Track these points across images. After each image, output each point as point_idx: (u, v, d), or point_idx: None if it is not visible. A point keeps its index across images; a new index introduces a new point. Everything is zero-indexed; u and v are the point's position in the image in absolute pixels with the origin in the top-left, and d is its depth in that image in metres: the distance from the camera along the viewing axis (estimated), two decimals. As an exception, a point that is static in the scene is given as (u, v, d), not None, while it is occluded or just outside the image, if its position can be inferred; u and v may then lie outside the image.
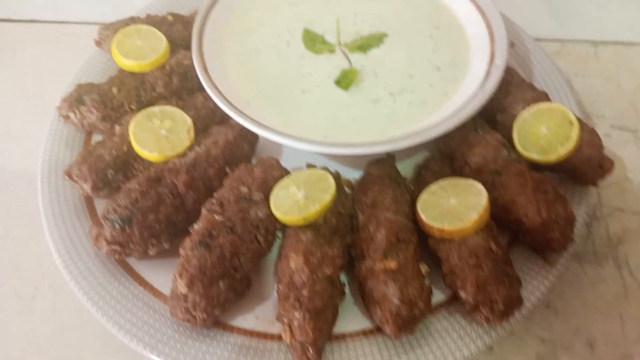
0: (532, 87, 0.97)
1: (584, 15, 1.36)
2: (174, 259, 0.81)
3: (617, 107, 1.16)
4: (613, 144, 1.10)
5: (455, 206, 0.80)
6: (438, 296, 0.82)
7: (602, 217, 0.99)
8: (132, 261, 0.87)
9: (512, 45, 1.15)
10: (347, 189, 0.94)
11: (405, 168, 0.97)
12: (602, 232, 0.98)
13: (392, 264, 0.75)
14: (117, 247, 0.82)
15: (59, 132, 1.01)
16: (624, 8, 1.37)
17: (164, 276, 0.84)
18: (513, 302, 0.75)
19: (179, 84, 1.03)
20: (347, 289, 0.82)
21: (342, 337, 0.79)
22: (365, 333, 0.79)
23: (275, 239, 0.87)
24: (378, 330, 0.79)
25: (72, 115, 0.97)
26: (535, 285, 0.81)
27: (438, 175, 0.89)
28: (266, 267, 0.88)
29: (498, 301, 0.73)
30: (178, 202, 0.86)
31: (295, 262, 0.76)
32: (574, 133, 0.85)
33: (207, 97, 1.00)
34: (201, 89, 1.00)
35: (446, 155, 0.96)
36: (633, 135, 1.12)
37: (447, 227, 0.78)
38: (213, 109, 1.00)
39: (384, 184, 0.87)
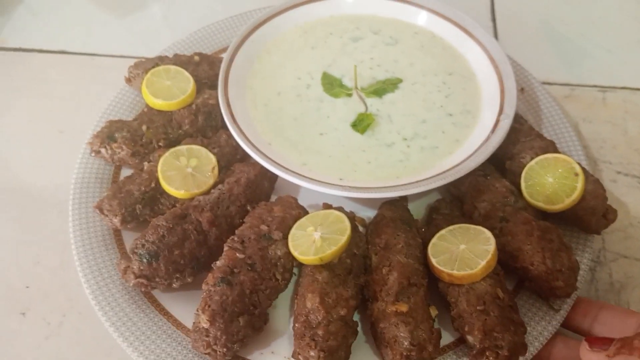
0: (540, 136, 1.02)
1: (593, 60, 1.41)
2: (197, 291, 0.86)
3: (623, 153, 1.21)
4: (618, 190, 1.14)
5: (465, 252, 0.85)
6: (446, 337, 0.86)
7: (606, 262, 1.03)
8: (157, 293, 0.92)
9: (521, 90, 1.20)
10: (360, 227, 0.99)
11: (417, 208, 1.02)
12: (605, 277, 1.01)
13: (403, 307, 0.80)
14: (144, 281, 0.87)
15: (89, 165, 1.06)
16: (633, 54, 1.41)
17: (186, 308, 0.89)
18: (517, 349, 0.78)
19: (204, 122, 1.09)
20: (359, 328, 0.87)
21: (355, 376, 0.83)
22: (376, 372, 0.83)
23: (292, 276, 0.91)
24: (388, 369, 0.83)
25: (103, 150, 1.03)
26: (539, 331, 0.85)
27: (448, 219, 0.94)
28: (282, 301, 0.93)
29: (503, 347, 0.77)
30: (202, 238, 0.91)
31: (311, 301, 0.81)
32: (579, 184, 0.89)
33: (230, 135, 1.06)
34: (224, 126, 1.06)
35: (456, 198, 1.01)
36: (638, 182, 1.16)
37: (456, 272, 0.83)
38: (236, 146, 1.06)
39: (396, 226, 0.92)
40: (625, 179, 1.16)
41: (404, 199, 1.00)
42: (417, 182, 0.92)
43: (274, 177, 1.04)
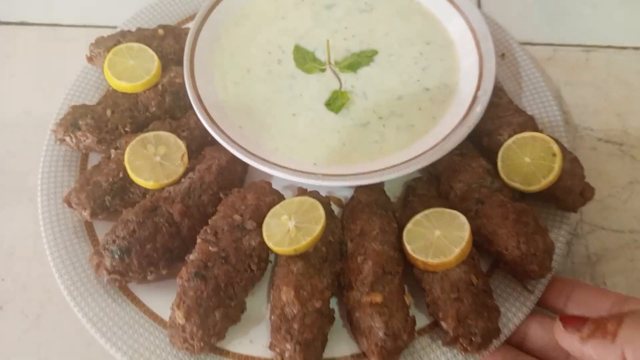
0: (519, 111, 0.99)
1: (577, 17, 1.35)
2: (172, 281, 0.85)
3: (605, 119, 1.18)
4: (598, 158, 1.12)
5: (439, 239, 0.84)
6: (422, 320, 0.87)
7: (583, 235, 1.04)
8: (132, 285, 0.91)
9: (502, 56, 1.16)
10: (336, 208, 0.97)
11: (394, 187, 1.00)
12: (581, 250, 1.02)
13: (377, 298, 0.80)
14: (117, 276, 0.87)
15: (55, 153, 1.03)
16: (617, 11, 1.36)
17: (162, 299, 0.89)
18: (491, 334, 0.80)
19: (171, 103, 1.05)
20: (337, 314, 0.87)
21: (332, 361, 0.84)
22: (353, 357, 0.85)
23: (268, 265, 0.91)
24: (365, 355, 0.84)
25: (67, 139, 0.99)
26: (513, 312, 0.86)
27: (424, 200, 0.92)
28: (260, 288, 0.92)
29: (477, 334, 0.78)
30: (174, 230, 0.90)
31: (286, 295, 0.81)
32: (557, 164, 0.88)
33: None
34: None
35: (434, 177, 0.99)
36: (619, 149, 1.14)
37: (431, 260, 0.82)
38: (206, 128, 1.03)
39: (371, 211, 0.90)
40: (606, 146, 1.15)
41: (380, 188, 0.98)
42: (392, 167, 0.90)
43: (246, 163, 1.01)
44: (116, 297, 0.90)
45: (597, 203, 1.07)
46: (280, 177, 0.98)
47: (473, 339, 0.79)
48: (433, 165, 0.97)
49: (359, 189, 0.96)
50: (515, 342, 0.86)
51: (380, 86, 1.02)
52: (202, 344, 0.82)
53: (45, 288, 0.99)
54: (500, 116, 0.98)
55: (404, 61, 1.05)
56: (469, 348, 0.79)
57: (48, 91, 1.20)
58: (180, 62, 1.05)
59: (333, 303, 0.88)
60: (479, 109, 0.94)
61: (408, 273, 0.87)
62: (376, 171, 0.90)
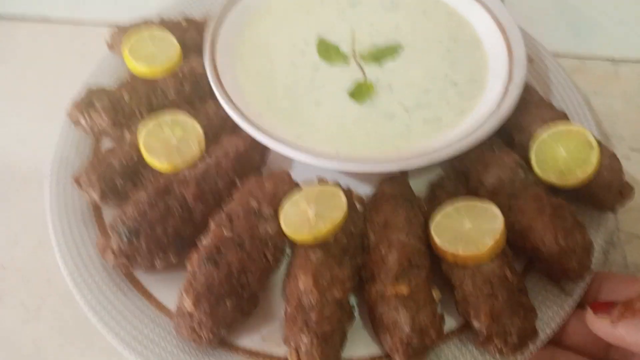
0: (551, 107, 0.95)
1: (604, 31, 1.33)
2: (182, 272, 0.80)
3: (637, 128, 1.14)
4: (632, 167, 1.07)
5: (470, 231, 0.78)
6: (450, 323, 0.80)
7: (620, 244, 0.97)
8: (139, 274, 0.86)
9: (530, 61, 1.12)
10: (358, 206, 0.92)
11: (418, 186, 0.95)
12: (619, 259, 0.95)
13: (403, 290, 0.74)
14: (124, 260, 0.81)
15: (69, 137, 0.99)
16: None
17: (170, 290, 0.82)
18: (528, 334, 0.73)
19: (190, 91, 1.01)
20: (356, 312, 0.81)
21: (351, 361, 0.77)
22: (374, 359, 0.77)
23: (284, 256, 0.85)
24: (387, 357, 0.77)
25: (82, 120, 0.96)
26: (550, 316, 0.79)
27: (452, 196, 0.87)
28: (274, 284, 0.86)
29: (512, 333, 0.71)
30: (186, 215, 0.85)
31: (304, 283, 0.75)
32: (594, 157, 0.83)
33: (219, 106, 0.99)
34: (213, 96, 0.99)
35: (461, 174, 0.94)
36: (653, 158, 1.09)
37: (462, 252, 0.76)
38: (225, 117, 0.99)
39: (396, 203, 0.85)
40: (638, 156, 1.10)
41: (404, 175, 0.93)
42: (419, 155, 0.85)
43: (265, 150, 0.97)
44: (122, 285, 0.84)
45: (633, 212, 1.01)
46: (300, 171, 0.95)
47: (508, 339, 0.71)
48: (461, 161, 0.93)
49: (382, 182, 0.91)
50: (553, 340, 0.78)
51: (406, 79, 0.98)
52: (210, 335, 0.75)
53: (48, 279, 0.94)
54: (532, 112, 0.93)
55: (430, 57, 1.02)
56: (504, 349, 0.72)
57: (66, 81, 1.17)
58: (201, 54, 1.02)
59: (353, 302, 0.81)
60: (510, 102, 0.90)
61: (435, 272, 0.81)
62: (402, 158, 0.85)
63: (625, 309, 0.68)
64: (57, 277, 0.90)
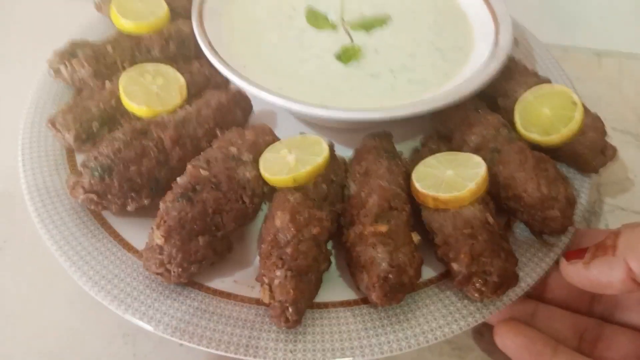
0: (535, 75, 0.95)
1: (588, 25, 1.36)
2: (154, 218, 0.77)
3: (619, 111, 1.15)
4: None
5: (452, 177, 0.77)
6: (429, 273, 0.77)
7: (602, 213, 0.96)
8: (109, 217, 0.82)
9: (516, 43, 1.14)
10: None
11: (403, 150, 0.94)
12: (601, 227, 0.94)
13: (382, 227, 0.71)
14: (94, 197, 0.78)
15: (47, 88, 0.97)
16: (627, 20, 1.37)
17: (141, 234, 0.79)
18: (509, 277, 0.70)
19: (175, 50, 1.01)
20: (333, 260, 0.78)
21: (325, 305, 0.74)
22: (349, 303, 0.74)
23: (262, 205, 0.83)
24: (364, 301, 0.74)
25: (62, 68, 0.94)
26: (532, 267, 0.77)
27: (435, 151, 0.86)
28: (250, 236, 0.84)
29: (492, 273, 0.69)
30: (162, 158, 0.82)
31: (280, 219, 0.72)
32: (578, 114, 0.83)
33: (203, 64, 0.98)
34: (198, 57, 0.98)
35: (444, 137, 0.93)
36: (634, 138, 1.10)
37: (442, 195, 0.74)
38: (208, 76, 0.99)
39: (378, 154, 0.84)
40: (620, 136, 1.10)
41: (388, 134, 0.92)
42: (403, 105, 0.84)
43: (247, 108, 0.96)
44: (90, 225, 0.81)
45: (615, 185, 1.00)
46: (282, 127, 0.94)
47: (488, 278, 0.69)
48: (444, 123, 0.93)
49: (365, 137, 0.90)
50: (535, 295, 0.76)
51: (392, 44, 0.99)
52: (179, 269, 0.72)
53: (11, 223, 0.90)
54: (517, 79, 0.94)
55: (417, 26, 1.03)
56: (483, 289, 0.69)
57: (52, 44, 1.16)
58: (189, 18, 1.02)
59: (331, 250, 0.78)
60: (497, 63, 0.90)
61: (416, 225, 0.79)
62: (387, 108, 0.84)
63: (596, 248, 0.65)
64: (21, 221, 0.87)
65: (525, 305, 0.74)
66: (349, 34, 1.01)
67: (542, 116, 0.85)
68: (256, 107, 0.98)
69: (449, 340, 0.79)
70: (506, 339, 0.70)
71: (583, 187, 0.88)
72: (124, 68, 0.96)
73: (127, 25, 0.99)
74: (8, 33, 1.22)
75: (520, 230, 0.82)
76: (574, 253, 0.69)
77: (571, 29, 1.35)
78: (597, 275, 0.63)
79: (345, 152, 0.93)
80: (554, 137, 0.83)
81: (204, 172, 0.78)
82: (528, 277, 0.76)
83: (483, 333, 0.80)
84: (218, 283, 0.76)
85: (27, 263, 0.86)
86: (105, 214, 0.82)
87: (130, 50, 0.97)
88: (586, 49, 1.30)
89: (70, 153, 0.90)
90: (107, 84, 0.92)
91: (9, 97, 1.09)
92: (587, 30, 1.35)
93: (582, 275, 0.65)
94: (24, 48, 1.19)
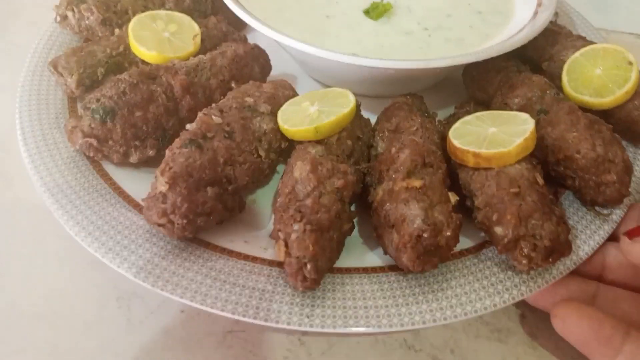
0: (582, 38, 0.87)
1: (628, 10, 1.28)
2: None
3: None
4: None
5: (495, 134, 0.68)
6: (466, 243, 0.68)
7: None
8: (110, 168, 0.74)
9: (556, 14, 1.05)
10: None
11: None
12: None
13: (416, 182, 0.62)
14: (94, 142, 0.70)
15: (54, 38, 0.91)
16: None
17: (144, 188, 0.70)
18: (561, 244, 0.61)
19: (191, 5, 0.94)
20: (356, 226, 0.69)
21: (347, 270, 0.65)
22: (375, 270, 0.65)
23: (279, 161, 0.75)
24: (391, 268, 0.65)
25: (70, 14, 0.87)
26: (585, 238, 0.67)
27: (473, 112, 0.77)
28: (265, 197, 0.75)
29: (543, 237, 0.60)
30: (172, 106, 0.75)
31: (300, 170, 0.64)
32: (634, 74, 0.74)
33: (220, 20, 0.91)
34: (215, 13, 0.91)
35: (481, 104, 0.85)
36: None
37: (485, 152, 0.65)
38: (225, 31, 0.92)
39: (410, 110, 0.75)
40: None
41: (420, 97, 0.83)
42: (442, 57, 0.76)
43: (266, 65, 0.88)
44: (88, 174, 0.73)
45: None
46: (304, 86, 0.85)
47: (538, 242, 0.60)
48: (483, 87, 0.85)
49: (397, 96, 0.81)
50: (594, 275, 0.66)
51: (426, 4, 0.91)
52: (184, 221, 0.63)
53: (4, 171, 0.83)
54: (562, 42, 0.85)
55: (454, -13, 0.95)
56: (532, 254, 0.59)
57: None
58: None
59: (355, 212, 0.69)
60: (540, 21, 0.82)
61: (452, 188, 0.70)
62: (423, 59, 0.76)
63: None
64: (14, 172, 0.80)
65: (585, 285, 0.65)
66: (379, -9, 0.93)
67: (594, 77, 0.76)
68: (274, 71, 0.90)
69: (487, 322, 0.69)
70: (569, 323, 0.59)
71: (637, 160, 0.78)
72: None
73: (141, -27, 0.92)
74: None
75: (568, 202, 0.73)
76: (636, 230, 0.61)
77: (611, 13, 1.26)
78: None
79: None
80: (608, 99, 0.74)
81: (216, 119, 0.70)
82: (580, 250, 0.66)
83: (526, 315, 0.70)
84: (226, 242, 0.67)
85: (16, 219, 0.78)
86: (106, 165, 0.74)
87: (143, 0, 0.91)
88: (628, 33, 1.21)
89: (72, 102, 0.82)
90: (117, 31, 0.85)
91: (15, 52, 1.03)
92: (628, 16, 1.26)
93: None
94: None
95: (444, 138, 0.73)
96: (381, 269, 0.65)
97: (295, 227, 0.60)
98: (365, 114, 0.84)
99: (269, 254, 0.66)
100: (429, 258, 0.60)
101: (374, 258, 0.67)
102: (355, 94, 0.82)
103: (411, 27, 0.86)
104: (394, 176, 0.65)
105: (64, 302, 0.70)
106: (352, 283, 0.63)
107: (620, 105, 0.75)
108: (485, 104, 0.84)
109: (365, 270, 0.65)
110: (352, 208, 0.71)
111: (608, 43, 0.80)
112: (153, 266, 0.62)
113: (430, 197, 0.62)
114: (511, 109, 0.78)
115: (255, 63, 0.86)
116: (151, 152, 0.73)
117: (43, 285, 0.72)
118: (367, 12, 0.89)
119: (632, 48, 1.18)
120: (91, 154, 0.72)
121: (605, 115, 0.76)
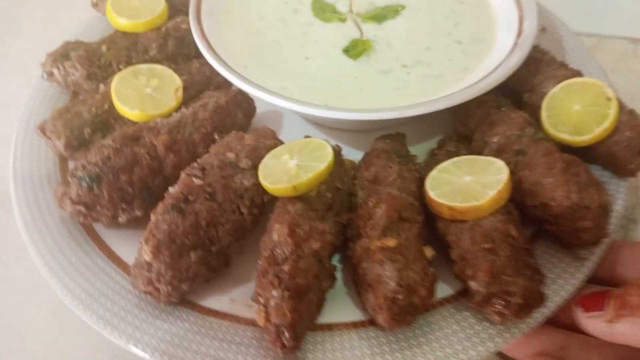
0: (564, 66, 0.86)
1: (623, 11, 1.25)
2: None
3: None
4: (655, 143, 0.97)
5: (470, 184, 0.69)
6: (446, 291, 0.70)
7: (641, 220, 0.87)
8: (101, 230, 0.77)
9: (543, 30, 1.04)
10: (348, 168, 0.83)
11: (418, 154, 0.86)
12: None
13: (390, 242, 0.64)
14: (82, 209, 0.73)
15: (42, 92, 0.93)
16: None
17: (134, 248, 0.73)
18: (534, 297, 0.62)
19: (174, 49, 0.95)
20: (339, 276, 0.71)
21: (329, 327, 0.67)
22: (356, 325, 0.67)
23: (261, 214, 0.76)
24: (372, 323, 0.67)
25: (55, 71, 0.90)
26: (560, 285, 0.68)
27: (453, 154, 0.78)
28: (251, 248, 0.77)
29: (515, 293, 0.61)
30: (156, 165, 0.77)
31: (278, 233, 0.66)
32: (613, 111, 0.74)
33: (203, 64, 0.92)
34: (198, 55, 0.92)
35: (464, 137, 0.85)
36: (678, 135, 0.99)
37: (459, 205, 0.67)
38: (209, 75, 0.93)
39: (389, 158, 0.76)
40: (663, 133, 0.99)
41: (401, 135, 0.84)
42: (415, 105, 0.76)
43: (250, 109, 0.89)
44: (79, 237, 0.76)
45: (656, 188, 0.90)
46: (286, 130, 0.87)
47: (511, 299, 0.61)
48: (464, 122, 0.85)
49: (376, 140, 0.82)
50: (567, 324, 0.67)
51: (406, 37, 0.91)
52: (169, 288, 0.66)
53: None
54: (544, 71, 0.85)
55: (433, 16, 0.95)
56: (505, 311, 0.61)
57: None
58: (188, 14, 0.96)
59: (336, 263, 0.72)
60: (520, 54, 0.81)
61: (431, 236, 0.71)
62: (397, 107, 0.76)
63: (620, 305, 0.59)
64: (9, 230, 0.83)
65: (555, 337, 0.66)
66: (358, 27, 0.93)
67: (573, 113, 0.76)
68: (260, 109, 0.91)
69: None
70: None
71: (619, 192, 0.78)
72: (119, 69, 0.90)
73: (123, 23, 0.93)
74: (10, 34, 1.19)
75: (548, 242, 0.73)
76: (591, 301, 0.62)
77: (604, 15, 1.24)
78: (624, 332, 0.58)
79: (357, 155, 0.86)
80: (586, 137, 0.74)
81: (197, 181, 0.72)
82: (556, 295, 0.67)
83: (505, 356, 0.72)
84: (213, 302, 0.70)
85: (13, 271, 0.82)
86: (97, 226, 0.77)
87: (126, 50, 0.92)
88: (621, 37, 1.19)
89: (63, 161, 0.85)
90: (101, 86, 0.87)
91: (10, 103, 1.05)
92: (622, 17, 1.24)
93: (607, 332, 0.59)
94: (25, 51, 1.15)
95: (423, 182, 0.74)
96: (363, 324, 0.67)
97: (274, 292, 0.62)
98: (350, 150, 0.85)
99: (251, 313, 0.68)
100: (404, 317, 0.62)
101: (357, 311, 0.69)
102: (341, 129, 0.83)
103: (390, 65, 0.87)
104: (370, 233, 0.66)
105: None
106: (334, 341, 0.66)
107: (600, 140, 0.75)
108: (467, 138, 0.84)
109: (348, 325, 0.67)
110: (336, 257, 0.73)
111: (587, 78, 0.79)
112: (141, 333, 0.66)
113: (405, 256, 0.64)
114: (490, 148, 0.78)
115: (238, 110, 0.87)
116: (139, 213, 0.76)
117: (38, 340, 0.75)
118: (346, 51, 0.89)
119: (624, 54, 1.17)
120: (81, 220, 0.75)
121: (587, 149, 0.76)
